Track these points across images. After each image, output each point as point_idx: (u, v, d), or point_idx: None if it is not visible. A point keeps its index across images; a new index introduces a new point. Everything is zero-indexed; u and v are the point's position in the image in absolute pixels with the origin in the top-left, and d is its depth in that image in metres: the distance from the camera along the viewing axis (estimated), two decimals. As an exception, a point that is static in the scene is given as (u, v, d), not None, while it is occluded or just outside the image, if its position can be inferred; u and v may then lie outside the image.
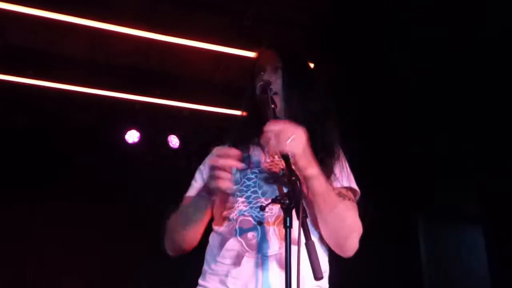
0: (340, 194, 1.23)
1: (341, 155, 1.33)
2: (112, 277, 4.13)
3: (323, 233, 1.20)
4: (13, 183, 3.94)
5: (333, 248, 1.22)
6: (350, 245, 1.19)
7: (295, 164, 1.08)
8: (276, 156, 1.27)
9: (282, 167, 1.23)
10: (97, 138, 3.92)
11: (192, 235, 1.27)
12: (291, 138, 1.04)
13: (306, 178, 1.12)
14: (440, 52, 3.30)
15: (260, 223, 1.19)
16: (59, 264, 4.03)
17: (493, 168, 3.58)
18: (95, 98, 3.70)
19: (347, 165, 1.33)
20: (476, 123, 3.53)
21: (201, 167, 1.41)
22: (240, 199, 1.24)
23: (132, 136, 3.97)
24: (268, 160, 1.29)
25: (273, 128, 1.07)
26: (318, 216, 1.17)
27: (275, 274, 1.15)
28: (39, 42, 3.39)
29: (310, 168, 1.10)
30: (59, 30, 3.13)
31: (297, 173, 1.05)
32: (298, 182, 1.02)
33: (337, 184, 1.26)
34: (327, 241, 1.22)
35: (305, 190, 1.15)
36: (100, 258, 4.13)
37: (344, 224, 1.16)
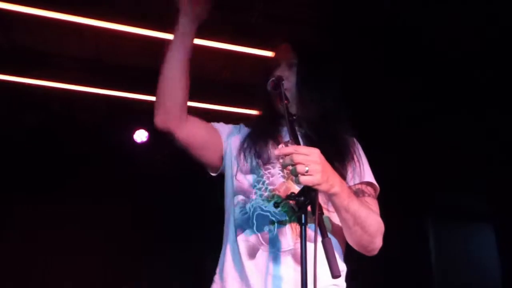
0: (358, 192, 1.23)
1: (356, 150, 1.31)
2: (123, 277, 4.14)
3: (348, 241, 1.21)
4: (20, 183, 3.96)
5: (357, 249, 1.22)
6: (375, 246, 1.20)
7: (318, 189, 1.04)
8: None
9: None
10: (106, 138, 3.93)
11: (179, 75, 1.26)
12: (307, 171, 0.99)
13: (328, 196, 1.11)
14: (450, 52, 3.28)
15: (276, 221, 1.19)
16: (68, 265, 4.05)
17: (503, 166, 3.54)
18: (103, 98, 3.70)
19: (364, 158, 1.31)
20: (486, 121, 3.50)
21: (232, 126, 1.43)
22: (258, 191, 1.24)
23: (141, 135, 3.98)
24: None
25: (284, 153, 1.01)
26: (343, 227, 1.17)
27: (290, 268, 1.15)
28: (46, 43, 3.39)
29: (332, 189, 1.06)
30: (65, 30, 3.13)
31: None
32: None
33: (352, 182, 1.25)
34: (353, 246, 1.22)
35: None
36: (108, 258, 4.14)
37: (368, 232, 1.15)
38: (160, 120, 1.29)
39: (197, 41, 3.69)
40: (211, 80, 3.83)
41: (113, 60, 3.60)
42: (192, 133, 1.32)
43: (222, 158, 1.37)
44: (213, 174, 1.41)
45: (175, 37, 1.28)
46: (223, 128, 1.40)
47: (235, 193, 1.28)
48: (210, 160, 1.37)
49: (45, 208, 4.07)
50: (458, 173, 3.88)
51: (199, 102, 3.90)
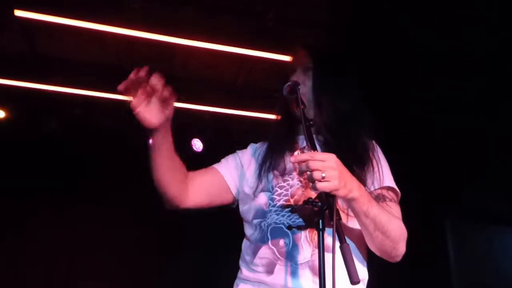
0: (379, 197, 1.20)
1: (375, 154, 1.28)
2: (143, 279, 4.19)
3: (371, 247, 1.19)
4: (42, 187, 4.05)
5: (380, 256, 1.20)
6: (398, 252, 1.17)
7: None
8: None
9: None
10: (122, 143, 3.98)
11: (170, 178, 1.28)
12: (323, 177, 0.97)
13: (347, 201, 1.10)
14: (464, 56, 3.25)
15: (291, 227, 1.18)
16: (89, 266, 4.12)
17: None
18: (121, 104, 3.75)
19: (384, 162, 1.28)
20: (506, 121, 3.43)
21: (239, 153, 1.43)
22: (273, 208, 1.24)
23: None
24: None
25: (300, 159, 1.00)
26: (364, 234, 1.15)
27: (309, 281, 1.14)
28: (67, 50, 3.47)
29: (350, 194, 1.04)
30: (85, 37, 3.20)
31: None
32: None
33: (372, 187, 1.22)
34: (376, 252, 1.19)
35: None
36: (129, 260, 4.20)
37: (389, 237, 1.12)
38: (165, 204, 1.35)
39: (212, 46, 3.68)
40: (227, 84, 3.85)
41: (132, 66, 3.65)
42: (197, 199, 1.35)
43: (235, 195, 1.39)
44: (234, 206, 1.42)
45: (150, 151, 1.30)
46: (229, 167, 1.39)
47: (253, 216, 1.28)
48: (226, 203, 1.41)
49: (66, 209, 4.16)
50: (480, 174, 3.81)
51: (215, 107, 3.92)
